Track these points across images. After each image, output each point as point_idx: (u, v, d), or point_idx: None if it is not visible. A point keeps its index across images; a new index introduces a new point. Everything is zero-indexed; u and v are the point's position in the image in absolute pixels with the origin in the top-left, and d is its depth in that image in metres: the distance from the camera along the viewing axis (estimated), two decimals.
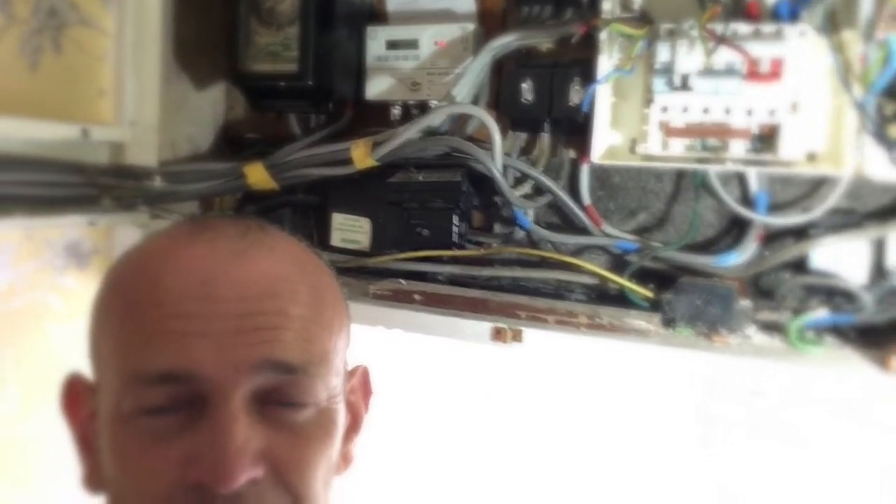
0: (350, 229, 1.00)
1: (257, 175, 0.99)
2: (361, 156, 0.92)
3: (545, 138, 0.90)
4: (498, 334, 0.77)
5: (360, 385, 0.59)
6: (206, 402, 0.46)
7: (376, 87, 0.96)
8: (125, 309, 0.48)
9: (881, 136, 0.73)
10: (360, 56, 0.96)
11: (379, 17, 0.98)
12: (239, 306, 0.47)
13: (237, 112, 1.12)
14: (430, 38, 0.92)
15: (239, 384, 0.46)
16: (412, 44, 0.94)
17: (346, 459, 0.55)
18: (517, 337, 0.76)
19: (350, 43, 0.96)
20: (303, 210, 1.07)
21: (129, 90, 1.02)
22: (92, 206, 1.02)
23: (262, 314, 0.47)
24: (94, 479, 0.52)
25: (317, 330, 0.50)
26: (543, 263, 0.91)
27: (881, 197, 0.79)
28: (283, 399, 0.47)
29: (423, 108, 0.94)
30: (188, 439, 0.45)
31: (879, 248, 0.78)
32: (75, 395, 0.53)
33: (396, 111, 0.96)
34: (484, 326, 0.78)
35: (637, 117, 0.82)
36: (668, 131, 0.79)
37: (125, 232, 1.05)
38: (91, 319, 0.52)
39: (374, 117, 0.98)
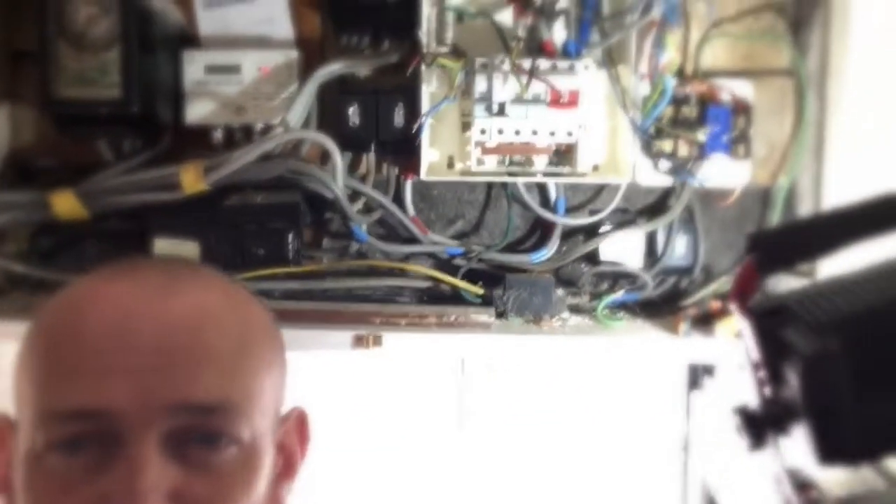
0: (176, 254, 0.99)
1: (66, 204, 0.95)
2: (192, 180, 0.92)
3: (371, 157, 0.98)
4: (359, 341, 0.83)
5: (296, 428, 0.59)
6: (119, 440, 0.45)
7: (196, 111, 0.97)
8: (44, 345, 0.48)
9: (648, 150, 0.92)
10: (177, 80, 0.96)
11: (191, 40, 0.98)
12: (159, 341, 0.46)
13: (25, 137, 1.04)
14: (254, 63, 0.95)
15: (153, 424, 0.45)
16: (234, 69, 0.96)
17: None
18: (377, 342, 0.83)
19: (167, 67, 0.95)
20: (116, 239, 1.03)
21: None
22: None
23: (182, 350, 0.47)
24: None
25: (242, 365, 0.50)
26: (377, 272, 0.99)
27: (647, 198, 0.99)
28: (201, 438, 0.47)
29: (248, 131, 0.97)
30: (100, 480, 0.45)
31: (650, 239, 0.98)
32: (1, 438, 0.51)
33: (219, 134, 0.97)
34: (344, 335, 0.84)
35: (453, 137, 0.94)
36: (484, 150, 0.92)
37: None
38: (16, 359, 0.50)
39: (193, 141, 0.98)
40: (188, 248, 0.99)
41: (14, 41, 1.01)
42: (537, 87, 0.87)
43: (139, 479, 0.44)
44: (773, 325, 0.50)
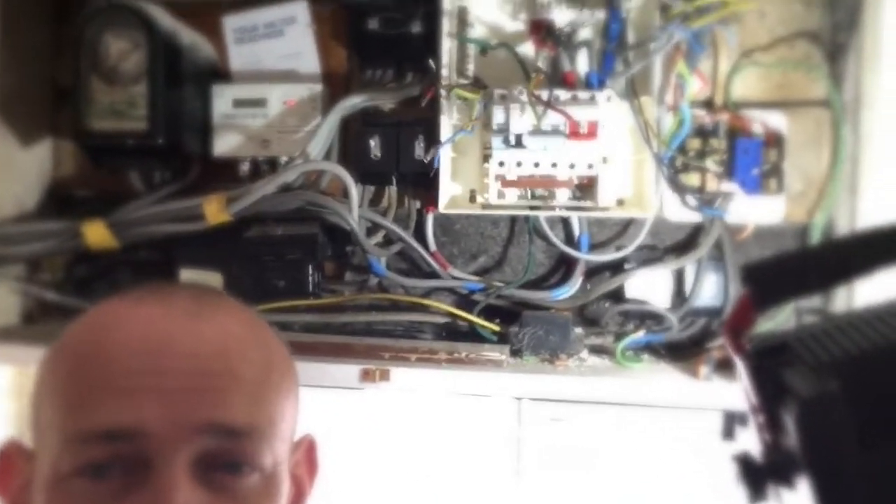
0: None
1: (98, 234, 0.97)
2: (215, 211, 0.93)
3: (392, 190, 0.97)
4: (366, 375, 0.82)
5: (305, 458, 0.59)
6: (148, 464, 0.45)
7: (224, 144, 0.99)
8: (71, 366, 0.48)
9: (675, 184, 0.89)
10: (206, 113, 0.98)
11: (222, 75, 1.01)
12: (189, 364, 0.47)
13: (65, 169, 1.08)
14: (279, 97, 0.97)
15: (183, 445, 0.45)
16: (260, 102, 0.97)
17: None
18: (385, 376, 0.81)
19: (196, 100, 0.98)
20: (145, 268, 1.05)
21: None
22: None
23: (212, 374, 0.47)
24: None
25: (265, 392, 0.50)
26: (395, 307, 0.97)
27: (676, 234, 0.95)
28: (227, 464, 0.47)
29: (273, 164, 0.98)
30: (128, 502, 0.44)
31: (679, 277, 0.93)
32: (8, 464, 0.51)
33: (245, 167, 0.99)
34: (352, 369, 0.82)
35: (475, 170, 0.92)
36: (504, 183, 0.90)
37: None
38: (35, 383, 0.50)
39: (221, 173, 1.00)
40: (212, 279, 1.00)
41: (58, 78, 1.06)
42: (555, 119, 0.85)
43: (170, 500, 0.44)
44: (771, 364, 0.47)
